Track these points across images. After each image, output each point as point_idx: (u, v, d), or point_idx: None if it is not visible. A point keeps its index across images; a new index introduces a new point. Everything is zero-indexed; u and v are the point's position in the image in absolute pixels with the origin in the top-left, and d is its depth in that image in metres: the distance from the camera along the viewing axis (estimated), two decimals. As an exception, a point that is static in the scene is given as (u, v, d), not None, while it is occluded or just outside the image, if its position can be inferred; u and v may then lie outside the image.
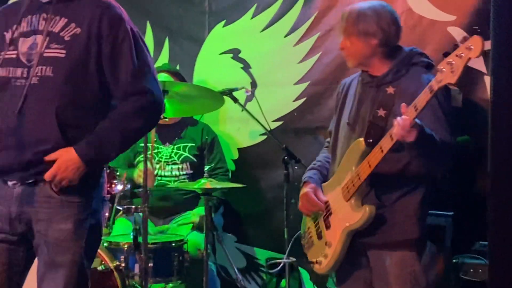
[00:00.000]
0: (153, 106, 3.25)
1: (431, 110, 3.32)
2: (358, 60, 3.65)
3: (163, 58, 5.58)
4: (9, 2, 3.41)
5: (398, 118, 3.19)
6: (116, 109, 3.21)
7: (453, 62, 3.01)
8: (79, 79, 3.15)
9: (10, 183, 3.18)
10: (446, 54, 3.09)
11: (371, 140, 3.42)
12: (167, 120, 4.85)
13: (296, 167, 4.82)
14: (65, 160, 3.07)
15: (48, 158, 3.07)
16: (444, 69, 3.04)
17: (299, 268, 5.02)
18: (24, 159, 3.13)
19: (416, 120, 3.17)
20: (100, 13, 3.18)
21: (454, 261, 4.13)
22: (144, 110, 3.21)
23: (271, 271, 5.03)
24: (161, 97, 3.32)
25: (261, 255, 5.34)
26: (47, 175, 3.06)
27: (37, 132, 3.12)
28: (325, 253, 3.63)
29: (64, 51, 3.15)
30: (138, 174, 4.71)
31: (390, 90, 3.53)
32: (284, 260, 4.63)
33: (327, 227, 3.64)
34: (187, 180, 5.01)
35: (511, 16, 2.15)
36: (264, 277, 5.26)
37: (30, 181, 3.14)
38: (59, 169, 3.06)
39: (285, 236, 4.72)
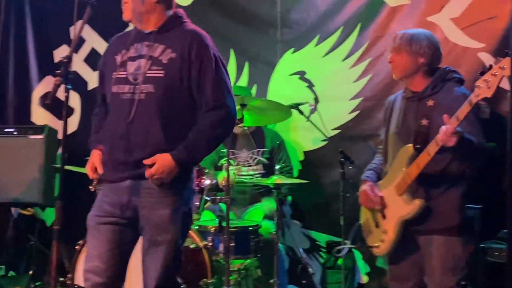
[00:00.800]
0: (229, 118, 3.26)
1: (467, 119, 3.26)
2: (404, 73, 3.61)
3: (243, 78, 5.59)
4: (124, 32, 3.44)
5: (443, 127, 3.19)
6: (202, 120, 3.21)
7: (488, 79, 3.04)
8: (174, 95, 3.18)
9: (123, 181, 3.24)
10: (482, 73, 3.10)
11: (418, 146, 3.42)
12: (246, 128, 4.87)
13: (350, 167, 4.82)
14: (162, 165, 3.11)
15: (147, 162, 3.11)
16: (481, 86, 3.07)
17: (354, 250, 4.98)
18: (132, 159, 3.17)
19: (458, 128, 3.16)
20: (190, 41, 3.20)
21: (481, 246, 4.13)
22: (223, 121, 3.23)
23: (333, 253, 5.03)
24: (235, 111, 3.31)
25: (321, 238, 5.30)
26: (147, 174, 3.10)
27: (145, 137, 3.16)
28: (382, 238, 3.61)
29: (163, 72, 3.19)
30: (221, 181, 4.67)
31: (430, 102, 3.52)
32: (346, 246, 4.63)
33: (384, 217, 3.62)
34: (260, 177, 4.98)
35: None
36: (324, 256, 5.22)
37: (137, 177, 3.18)
38: (157, 171, 3.09)
39: (341, 223, 4.69)
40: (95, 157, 3.32)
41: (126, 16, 3.33)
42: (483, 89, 3.07)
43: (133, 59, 3.26)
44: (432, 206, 3.45)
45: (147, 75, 3.20)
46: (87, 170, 3.35)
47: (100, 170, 3.27)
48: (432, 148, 3.30)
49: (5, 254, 6.18)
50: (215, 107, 3.19)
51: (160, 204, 3.17)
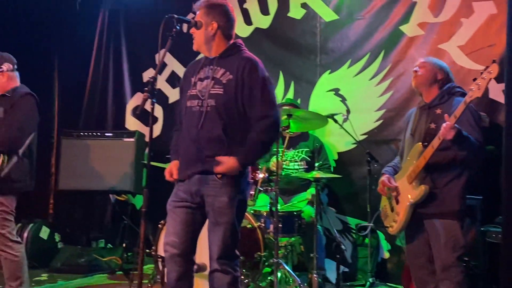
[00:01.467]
0: (275, 125, 3.27)
1: (467, 121, 3.28)
2: (422, 81, 3.61)
3: (290, 94, 5.60)
4: (196, 59, 3.51)
5: (444, 124, 3.20)
6: (254, 129, 3.22)
7: (479, 82, 3.08)
8: (232, 107, 3.21)
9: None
10: (474, 79, 3.13)
11: (426, 144, 3.40)
12: (292, 133, 4.91)
13: (375, 165, 4.82)
14: (231, 166, 3.15)
15: (218, 170, 3.15)
16: (473, 88, 3.10)
17: (377, 231, 4.97)
18: (201, 157, 3.24)
19: (456, 125, 3.17)
20: (244, 65, 3.23)
21: (482, 229, 4.05)
22: (270, 128, 3.24)
23: (360, 233, 5.03)
24: (279, 119, 3.33)
25: (352, 221, 5.27)
26: (216, 171, 3.15)
27: (211, 140, 3.20)
28: (395, 219, 3.58)
29: (222, 90, 3.23)
30: (272, 164, 4.71)
31: (438, 111, 3.50)
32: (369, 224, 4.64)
33: (397, 202, 3.59)
34: (304, 171, 4.98)
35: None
36: (354, 236, 5.20)
37: (205, 172, 3.23)
38: (226, 170, 3.14)
39: (368, 209, 4.69)
40: (173, 166, 3.37)
41: (194, 46, 3.41)
42: (475, 91, 3.10)
43: (201, 80, 3.31)
44: (438, 193, 3.41)
45: (211, 92, 3.25)
46: (165, 174, 3.39)
47: (175, 177, 3.33)
48: (435, 142, 3.29)
49: (104, 231, 6.34)
50: (262, 117, 3.21)
51: (221, 193, 3.19)
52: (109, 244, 6.26)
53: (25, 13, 6.19)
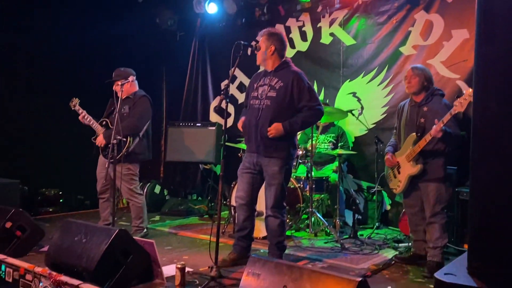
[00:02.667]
0: (319, 113, 3.28)
1: (449, 121, 3.18)
2: (415, 90, 3.48)
3: (321, 97, 5.52)
4: (258, 71, 3.52)
5: (434, 126, 3.15)
6: (304, 110, 3.24)
7: (461, 101, 3.03)
8: (281, 106, 3.23)
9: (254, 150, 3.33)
10: (458, 96, 3.07)
11: (419, 134, 3.36)
12: (322, 123, 4.89)
13: (380, 145, 4.69)
14: (276, 127, 3.18)
15: (270, 128, 3.18)
16: (457, 104, 3.05)
17: (382, 191, 4.88)
18: (259, 140, 3.26)
19: (443, 127, 3.12)
20: (292, 76, 3.25)
21: (456, 190, 3.93)
22: (315, 113, 3.26)
23: (369, 192, 4.96)
24: (323, 109, 3.31)
25: (364, 184, 5.19)
26: (269, 131, 3.18)
27: (265, 127, 3.23)
28: (398, 184, 3.55)
29: (275, 94, 3.25)
30: (308, 145, 4.68)
31: (425, 108, 3.42)
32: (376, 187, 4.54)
33: (399, 173, 3.55)
34: (331, 150, 4.94)
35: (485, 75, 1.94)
36: (365, 194, 5.14)
37: (261, 150, 3.27)
38: (273, 129, 3.17)
39: (375, 176, 4.62)
40: (241, 120, 3.42)
41: (257, 62, 3.42)
42: (458, 106, 3.05)
43: (262, 86, 3.35)
44: (427, 167, 3.36)
45: (267, 95, 3.28)
46: (239, 126, 3.43)
47: (240, 126, 3.39)
48: (427, 137, 3.26)
49: (196, 188, 6.48)
50: (310, 107, 3.23)
51: (273, 164, 3.24)
52: (199, 197, 6.42)
53: (145, 44, 6.34)
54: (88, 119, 4.26)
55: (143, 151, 4.26)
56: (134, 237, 2.89)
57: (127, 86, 4.18)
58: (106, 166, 3.98)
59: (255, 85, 3.40)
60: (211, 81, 6.52)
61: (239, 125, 3.45)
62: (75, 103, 4.30)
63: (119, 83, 4.07)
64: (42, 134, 5.45)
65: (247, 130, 3.36)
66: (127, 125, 4.08)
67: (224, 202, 5.47)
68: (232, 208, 4.38)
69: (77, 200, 5.84)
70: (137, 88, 4.35)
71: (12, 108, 5.19)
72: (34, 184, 5.39)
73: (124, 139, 4.00)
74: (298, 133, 4.79)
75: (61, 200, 5.59)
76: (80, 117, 4.28)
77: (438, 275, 1.65)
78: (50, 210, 5.44)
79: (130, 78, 4.16)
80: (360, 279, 1.92)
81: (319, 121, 4.55)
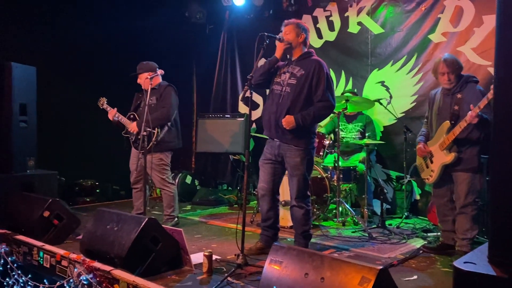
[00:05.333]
0: (329, 107, 3.25)
1: (485, 107, 3.08)
2: (455, 84, 3.37)
3: (349, 86, 5.46)
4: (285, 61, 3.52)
5: (469, 112, 3.07)
6: (316, 104, 3.21)
7: None
8: (300, 93, 3.21)
9: (275, 140, 3.33)
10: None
11: (453, 122, 3.29)
12: (349, 112, 4.84)
13: (409, 134, 4.62)
14: (289, 119, 3.17)
15: (284, 119, 3.18)
16: (491, 91, 2.91)
17: (411, 180, 4.80)
18: (280, 128, 3.25)
19: (478, 112, 3.04)
20: (314, 65, 3.22)
21: (487, 179, 3.78)
22: (325, 108, 3.23)
23: (398, 182, 4.89)
24: (334, 104, 3.26)
25: (393, 174, 5.11)
26: (283, 122, 3.17)
27: (283, 112, 3.22)
28: (431, 174, 3.49)
29: (295, 81, 3.23)
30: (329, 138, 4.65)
31: (459, 95, 3.34)
32: (406, 176, 4.48)
33: (431, 162, 3.48)
34: (358, 139, 4.89)
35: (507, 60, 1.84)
36: (394, 184, 5.06)
37: (282, 140, 3.27)
38: (286, 121, 3.16)
39: (404, 165, 4.54)
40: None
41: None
42: (491, 92, 2.93)
43: (284, 73, 3.35)
44: (461, 156, 3.29)
45: (288, 82, 3.28)
46: None
47: None
48: (462, 124, 3.17)
49: (226, 178, 6.54)
50: (322, 100, 3.20)
51: (294, 155, 3.24)
52: (229, 187, 6.49)
53: (175, 37, 6.42)
54: (117, 116, 4.34)
55: (172, 139, 4.32)
56: (164, 226, 2.97)
57: (154, 78, 4.24)
58: (138, 157, 4.07)
59: (280, 72, 3.40)
60: (240, 73, 6.54)
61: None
62: (103, 102, 4.39)
63: (148, 76, 4.14)
64: (79, 127, 5.64)
65: (266, 116, 3.37)
66: (159, 116, 4.15)
67: (253, 191, 5.53)
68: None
69: (113, 190, 6.01)
70: (161, 79, 4.41)
71: (49, 102, 5.35)
72: (72, 175, 5.59)
73: (154, 130, 4.09)
74: (325, 121, 4.78)
75: (97, 190, 5.78)
76: (109, 116, 4.36)
77: (457, 263, 1.63)
78: (87, 200, 5.64)
79: (160, 71, 4.22)
80: (380, 267, 1.92)
81: (346, 110, 4.50)
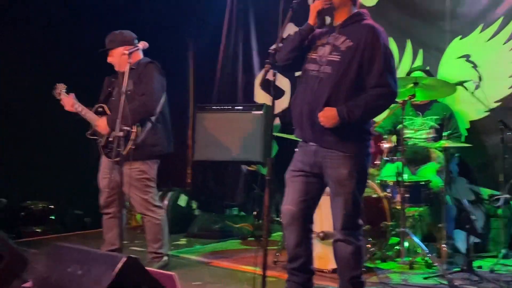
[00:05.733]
0: (390, 94, 3.22)
1: None
2: None
3: (418, 62, 5.42)
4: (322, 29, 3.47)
5: None
6: (370, 92, 3.18)
7: None
8: (345, 75, 3.17)
9: (310, 143, 3.31)
10: None
11: None
12: (418, 101, 4.80)
13: (508, 133, 4.53)
14: (329, 115, 3.13)
15: (320, 115, 3.15)
16: None
17: (510, 202, 4.69)
18: (316, 127, 3.21)
19: None
20: (366, 33, 3.18)
21: None
22: (384, 96, 3.20)
23: (493, 203, 4.80)
24: (396, 88, 3.24)
25: (484, 192, 5.02)
26: (319, 117, 3.15)
27: (321, 106, 3.18)
28: None
29: (339, 57, 3.20)
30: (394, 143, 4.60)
31: None
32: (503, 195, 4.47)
33: None
34: (432, 141, 4.82)
35: None
36: (486, 207, 4.95)
37: (321, 144, 3.24)
38: (323, 116, 3.14)
39: (501, 179, 4.46)
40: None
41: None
42: None
43: (323, 45, 3.32)
44: None
45: (328, 58, 3.24)
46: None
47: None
48: None
49: (237, 199, 6.54)
50: (379, 84, 3.16)
51: (339, 165, 3.19)
52: (241, 212, 6.48)
53: (161, 1, 6.45)
54: (78, 108, 4.35)
55: (158, 141, 4.31)
56: (149, 268, 2.95)
57: (133, 54, 4.15)
58: (111, 168, 4.06)
59: (316, 44, 3.37)
60: (257, 47, 6.56)
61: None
62: (60, 91, 4.41)
63: (124, 51, 4.08)
64: (26, 127, 5.68)
65: (297, 108, 3.33)
66: (137, 107, 4.13)
67: (277, 218, 5.50)
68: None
69: (74, 217, 6.03)
70: (141, 55, 4.41)
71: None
72: (16, 195, 5.62)
73: (132, 129, 4.08)
74: (383, 114, 4.71)
75: (52, 217, 5.80)
76: (66, 106, 4.38)
77: None
78: (38, 230, 5.64)
79: (141, 45, 4.19)
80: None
81: (414, 98, 4.46)
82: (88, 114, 4.37)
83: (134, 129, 4.14)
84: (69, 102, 4.36)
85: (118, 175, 3.85)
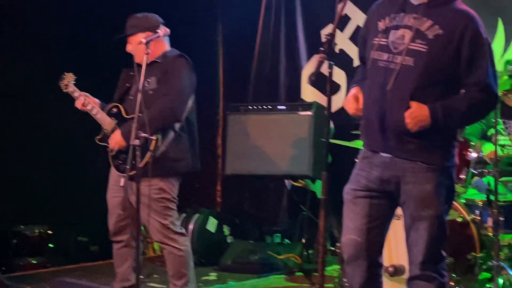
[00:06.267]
0: (494, 100, 3.22)
1: None
2: None
3: (512, 49, 5.33)
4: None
5: None
6: (469, 92, 3.14)
7: None
8: (433, 72, 3.12)
9: (382, 154, 3.24)
10: None
11: None
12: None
13: None
14: (419, 114, 3.06)
15: (408, 114, 3.07)
16: None
17: None
18: (386, 130, 3.16)
19: None
20: (464, 24, 3.12)
21: None
22: (488, 101, 3.19)
23: None
24: (497, 97, 3.23)
25: None
26: (406, 122, 3.08)
27: (400, 108, 3.11)
28: None
29: (426, 47, 3.13)
30: (487, 154, 4.52)
31: None
32: None
33: None
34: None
35: None
36: None
37: (397, 154, 3.18)
38: (412, 117, 3.06)
39: None
40: (355, 91, 3.31)
41: None
42: None
43: (397, 28, 3.23)
44: None
45: (410, 47, 3.16)
46: (346, 105, 3.33)
47: (360, 103, 3.26)
48: None
49: (280, 223, 6.51)
50: (481, 89, 3.12)
51: (423, 179, 3.14)
52: (285, 239, 6.42)
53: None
54: (89, 106, 4.39)
55: (182, 154, 4.33)
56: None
57: (154, 44, 4.20)
58: (122, 184, 4.05)
59: (381, 24, 3.30)
60: (304, 30, 6.55)
61: (348, 103, 3.35)
62: (68, 82, 4.46)
63: (141, 39, 4.13)
64: (20, 130, 5.72)
65: (365, 110, 3.27)
66: (159, 110, 4.16)
67: (332, 248, 5.44)
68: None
69: (77, 245, 6.09)
70: (168, 46, 4.44)
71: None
72: (8, 217, 5.67)
73: (151, 137, 4.06)
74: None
75: (50, 245, 5.84)
76: (77, 104, 4.42)
77: None
78: (33, 262, 5.68)
79: (161, 31, 4.20)
80: None
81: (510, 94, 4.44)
82: (99, 115, 4.40)
83: (154, 138, 4.11)
84: (80, 100, 4.41)
85: (132, 194, 3.86)
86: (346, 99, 3.38)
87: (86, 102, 4.40)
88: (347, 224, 3.32)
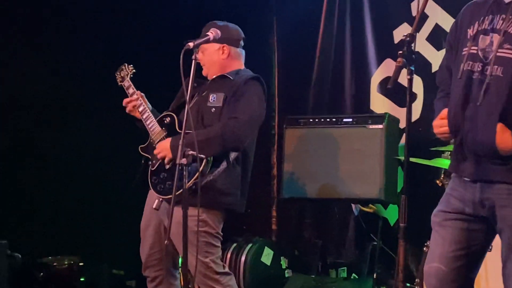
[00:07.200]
0: None
1: None
2: None
3: None
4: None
5: None
6: None
7: None
8: None
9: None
10: None
11: None
12: None
13: None
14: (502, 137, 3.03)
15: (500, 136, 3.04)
16: None
17: None
18: (482, 155, 3.13)
19: None
20: None
21: None
22: None
23: None
24: None
25: None
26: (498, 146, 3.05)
27: (488, 127, 3.09)
28: None
29: None
30: None
31: None
32: None
33: None
34: None
35: None
36: None
37: (488, 179, 3.14)
38: (503, 144, 3.03)
39: None
40: (443, 112, 3.28)
41: None
42: None
43: (485, 32, 3.20)
44: None
45: (497, 54, 3.12)
46: (438, 127, 3.30)
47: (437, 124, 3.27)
48: None
49: (346, 254, 6.47)
50: None
51: None
52: (353, 274, 6.37)
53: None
54: (141, 108, 4.43)
55: (231, 189, 4.33)
56: None
57: (230, 58, 4.33)
58: (154, 206, 4.06)
59: (470, 30, 3.29)
60: (373, 30, 6.55)
61: (437, 122, 3.34)
62: (125, 75, 4.53)
63: (217, 49, 4.32)
64: (42, 159, 5.86)
65: (453, 128, 3.25)
66: (220, 133, 4.19)
67: (409, 285, 5.39)
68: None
69: (112, 278, 6.14)
70: (242, 63, 4.52)
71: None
72: (34, 248, 5.77)
73: (201, 156, 4.08)
74: None
75: (82, 279, 5.89)
76: (130, 103, 4.46)
77: None
78: (62, 297, 5.79)
79: (211, 33, 4.11)
80: None
81: None
82: (149, 121, 4.41)
83: (205, 160, 4.08)
84: (132, 100, 4.46)
85: (167, 220, 3.86)
86: (439, 119, 3.34)
87: (140, 102, 4.45)
88: (433, 250, 3.31)
